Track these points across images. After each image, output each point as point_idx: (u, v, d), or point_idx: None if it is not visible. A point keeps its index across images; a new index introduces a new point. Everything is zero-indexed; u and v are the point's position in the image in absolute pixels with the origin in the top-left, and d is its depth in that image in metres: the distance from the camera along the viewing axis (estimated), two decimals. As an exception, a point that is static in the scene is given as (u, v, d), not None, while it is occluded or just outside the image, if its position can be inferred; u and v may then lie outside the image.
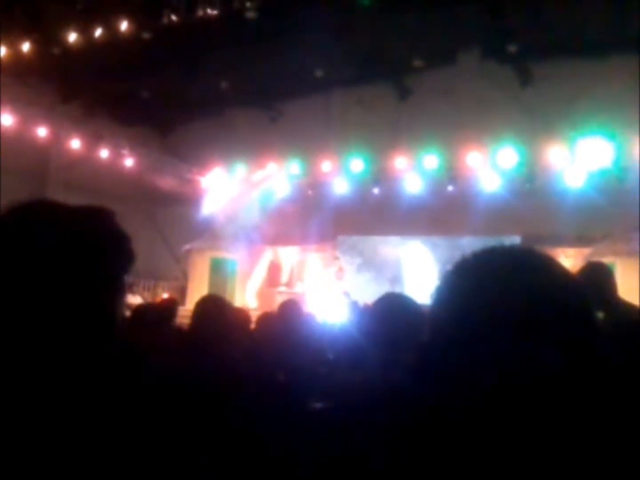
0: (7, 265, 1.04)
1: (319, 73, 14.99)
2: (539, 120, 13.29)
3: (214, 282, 16.77)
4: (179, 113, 17.63)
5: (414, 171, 14.08)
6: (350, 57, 14.39)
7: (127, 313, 4.75)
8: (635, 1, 11.08)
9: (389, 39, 13.46)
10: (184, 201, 16.75)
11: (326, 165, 14.82)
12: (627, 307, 3.56)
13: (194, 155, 16.75)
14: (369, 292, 12.67)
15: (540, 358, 0.79)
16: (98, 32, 12.32)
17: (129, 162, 15.70)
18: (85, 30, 12.38)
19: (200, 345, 3.05)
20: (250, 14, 11.39)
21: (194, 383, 2.56)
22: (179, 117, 18.05)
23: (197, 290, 14.83)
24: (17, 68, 12.76)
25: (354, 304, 9.53)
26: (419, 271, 15.57)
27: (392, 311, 2.24)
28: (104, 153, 15.21)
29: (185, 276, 17.70)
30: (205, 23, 11.91)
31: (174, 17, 11.84)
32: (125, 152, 15.53)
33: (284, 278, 17.26)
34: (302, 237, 16.29)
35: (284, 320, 4.35)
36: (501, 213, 13.04)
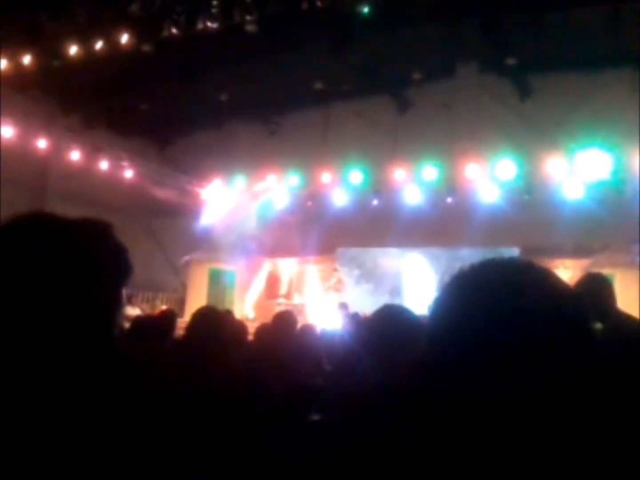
0: (6, 277, 1.04)
1: (318, 86, 15.05)
2: (538, 132, 13.34)
3: (213, 293, 16.75)
4: (178, 125, 17.67)
5: (413, 183, 14.10)
6: (349, 70, 14.45)
7: (126, 325, 4.75)
8: (631, 14, 11.16)
9: (387, 52, 13.53)
10: (183, 213, 16.76)
11: (325, 177, 14.84)
12: (626, 318, 3.56)
13: (193, 167, 16.77)
14: (368, 303, 12.67)
15: (539, 370, 0.79)
16: (98, 44, 12.38)
17: (128, 173, 15.72)
18: (85, 43, 12.44)
19: (196, 357, 3.05)
20: (250, 28, 11.45)
21: (191, 394, 2.55)
22: (179, 129, 18.09)
23: (196, 301, 14.79)
24: (18, 80, 12.80)
25: (354, 316, 9.51)
26: (418, 283, 15.56)
27: (390, 323, 2.24)
28: (104, 165, 15.24)
29: (184, 288, 17.68)
30: (206, 36, 11.98)
31: (174, 30, 11.90)
32: (124, 163, 15.56)
33: (283, 290, 17.24)
34: (301, 249, 16.29)
35: (279, 332, 4.35)
36: (500, 224, 13.06)
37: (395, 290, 15.83)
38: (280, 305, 15.86)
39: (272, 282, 17.40)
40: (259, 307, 16.90)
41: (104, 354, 1.11)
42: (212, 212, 16.67)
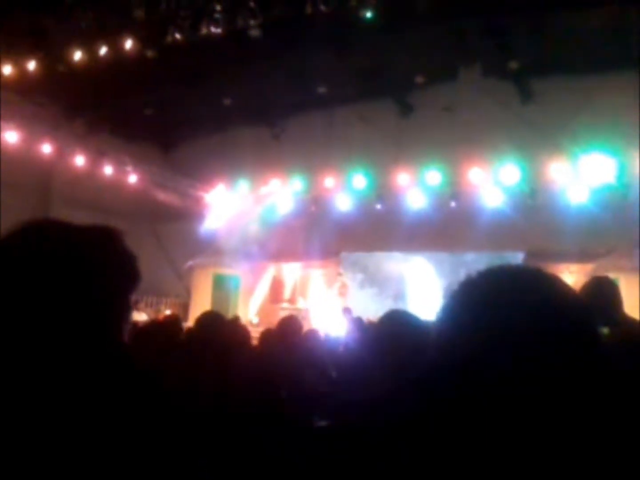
0: (16, 283, 1.05)
1: (321, 90, 15.07)
2: (541, 136, 13.32)
3: (217, 298, 16.76)
4: (182, 130, 17.71)
5: (416, 187, 14.10)
6: (353, 74, 14.47)
7: (132, 330, 4.75)
8: (634, 18, 11.16)
9: (390, 56, 13.55)
10: (187, 217, 16.77)
11: (329, 182, 14.85)
12: (632, 322, 3.55)
13: (197, 172, 16.80)
14: (372, 308, 12.68)
15: (546, 375, 0.79)
16: (103, 50, 12.42)
17: (132, 178, 15.76)
18: (89, 48, 12.48)
19: (200, 361, 3.05)
20: (254, 32, 11.48)
21: (195, 398, 2.55)
22: (183, 134, 18.13)
23: (200, 306, 14.79)
24: (22, 85, 12.85)
25: (358, 321, 9.51)
26: (422, 287, 15.55)
27: (395, 328, 2.23)
28: (108, 170, 15.27)
29: (188, 292, 17.68)
30: (209, 41, 12.00)
31: (178, 36, 11.93)
32: (128, 168, 15.59)
33: (287, 294, 17.24)
34: (305, 253, 16.29)
35: (284, 337, 4.35)
36: (504, 229, 13.04)
37: (399, 295, 15.83)
38: (284, 309, 15.86)
39: (276, 286, 17.40)
40: (263, 311, 16.90)
41: (110, 358, 1.12)
42: (216, 217, 16.69)
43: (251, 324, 14.96)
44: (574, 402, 0.80)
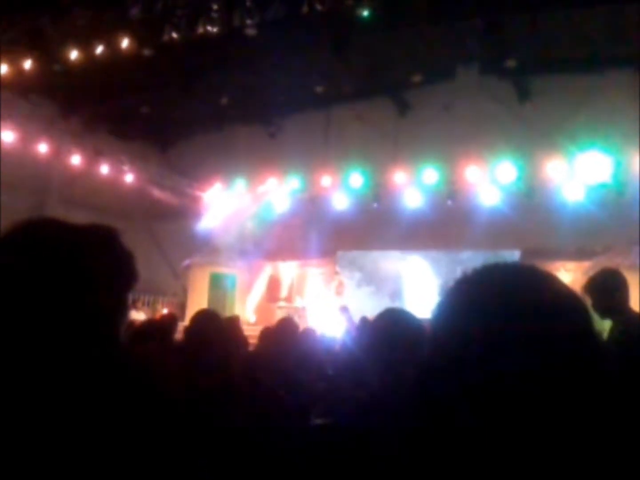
0: (12, 282, 1.05)
1: (318, 89, 15.07)
2: (538, 134, 13.33)
3: (214, 297, 16.74)
4: (179, 128, 17.70)
5: (413, 186, 14.11)
6: (350, 72, 14.47)
7: (129, 329, 4.75)
8: (631, 16, 11.18)
9: (388, 54, 13.56)
10: (183, 216, 16.76)
11: (326, 180, 14.84)
12: (636, 315, 3.57)
13: (193, 171, 16.78)
14: (368, 306, 12.66)
15: (541, 373, 0.79)
16: (99, 49, 12.41)
17: (129, 177, 15.74)
18: (86, 47, 12.47)
19: (196, 359, 3.05)
20: (250, 31, 11.48)
21: (192, 396, 2.55)
22: (179, 133, 18.12)
23: (197, 305, 14.77)
24: (19, 84, 12.84)
25: (363, 320, 9.47)
26: (419, 286, 15.56)
27: (392, 327, 2.24)
28: (104, 169, 15.25)
29: (184, 291, 17.66)
30: (206, 40, 12.00)
31: (174, 34, 11.92)
32: (125, 167, 15.57)
33: (284, 293, 17.24)
34: (301, 252, 16.29)
35: (282, 336, 4.35)
36: (501, 227, 13.06)
37: (396, 293, 15.83)
38: (281, 308, 15.86)
39: (273, 285, 17.40)
40: (259, 310, 16.91)
41: (108, 357, 1.12)
42: (213, 216, 16.68)
43: (248, 322, 14.96)
44: (570, 400, 0.80)
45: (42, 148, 14.10)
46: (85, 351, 1.08)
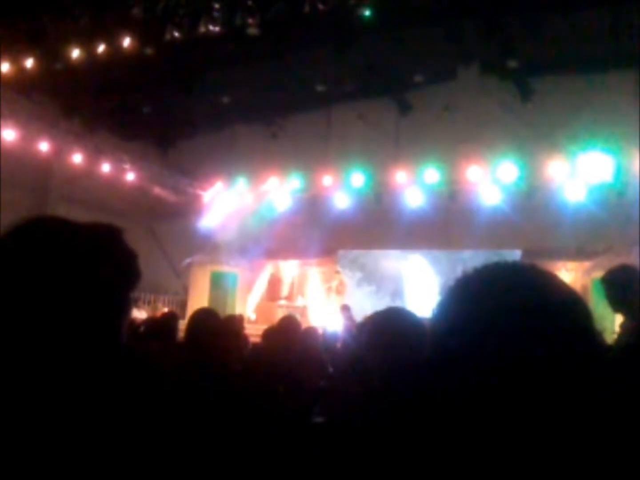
0: (15, 281, 1.06)
1: (320, 88, 15.06)
2: (539, 134, 13.33)
3: (215, 295, 16.74)
4: (180, 128, 17.69)
5: (414, 185, 14.10)
6: (351, 72, 14.46)
7: (131, 327, 4.76)
8: (633, 16, 11.17)
9: (389, 54, 13.54)
10: (184, 215, 16.76)
11: (327, 180, 14.84)
12: None
13: (195, 170, 16.78)
14: (369, 306, 12.67)
15: (539, 371, 0.80)
16: (101, 48, 12.41)
17: (130, 176, 15.73)
18: (88, 46, 12.47)
19: (197, 357, 3.06)
20: (252, 31, 11.47)
21: (195, 394, 2.56)
22: (181, 132, 18.11)
23: (198, 304, 14.77)
24: (20, 83, 12.83)
25: (365, 319, 9.47)
26: (419, 285, 15.56)
27: (392, 326, 2.24)
28: (106, 167, 15.25)
29: (185, 290, 17.67)
30: (208, 39, 12.00)
31: (176, 34, 11.92)
32: (126, 166, 15.57)
33: (285, 292, 17.24)
34: (302, 251, 16.29)
35: (285, 334, 4.35)
36: (502, 227, 13.06)
37: (397, 293, 15.83)
38: (282, 307, 15.87)
39: (274, 284, 17.40)
40: (260, 309, 16.91)
41: (111, 356, 1.12)
42: (214, 215, 16.68)
43: (249, 321, 14.97)
44: (571, 397, 0.81)
45: (44, 147, 14.09)
46: (87, 350, 1.08)
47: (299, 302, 16.34)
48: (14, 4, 11.81)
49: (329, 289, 15.72)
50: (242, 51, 12.71)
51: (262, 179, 15.80)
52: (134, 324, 5.72)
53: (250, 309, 17.14)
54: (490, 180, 13.35)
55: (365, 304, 14.14)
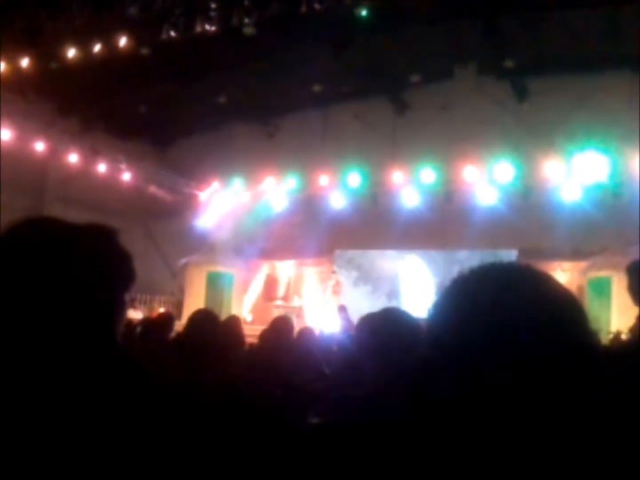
0: (12, 282, 1.05)
1: (316, 88, 15.06)
2: (536, 134, 13.36)
3: (211, 296, 16.72)
4: (176, 127, 17.67)
5: (411, 185, 14.12)
6: (348, 72, 14.46)
7: (126, 328, 4.75)
8: (628, 17, 11.20)
9: (386, 54, 13.56)
10: (181, 215, 16.75)
11: (323, 180, 14.85)
12: None
13: (191, 170, 16.77)
14: (365, 306, 12.67)
15: (537, 371, 0.80)
16: (97, 47, 12.38)
17: (126, 176, 15.72)
18: (83, 46, 12.43)
19: (195, 359, 3.05)
20: (249, 30, 11.46)
21: (191, 396, 2.55)
22: (177, 132, 18.09)
23: (194, 304, 14.76)
24: (16, 83, 12.79)
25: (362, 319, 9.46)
26: (416, 285, 15.57)
27: (388, 326, 2.24)
28: (102, 167, 15.23)
29: (181, 290, 17.65)
30: (204, 39, 11.98)
31: (172, 33, 11.90)
32: (122, 166, 15.55)
33: (281, 292, 17.24)
34: (299, 251, 16.29)
35: (278, 335, 4.35)
36: (498, 227, 13.08)
37: (393, 293, 15.85)
38: (278, 307, 15.87)
39: (270, 284, 17.40)
40: (256, 309, 16.90)
41: (106, 356, 1.12)
42: (210, 215, 16.67)
43: (245, 321, 14.96)
44: (564, 398, 0.80)
45: (40, 147, 14.07)
46: (83, 350, 1.08)
47: (295, 302, 16.34)
48: (9, 3, 11.78)
49: (326, 289, 15.72)
50: (238, 51, 12.70)
51: (258, 178, 15.80)
52: (130, 325, 5.72)
53: (247, 309, 17.14)
54: (487, 180, 13.39)
55: (362, 304, 14.14)
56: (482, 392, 0.82)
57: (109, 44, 12.29)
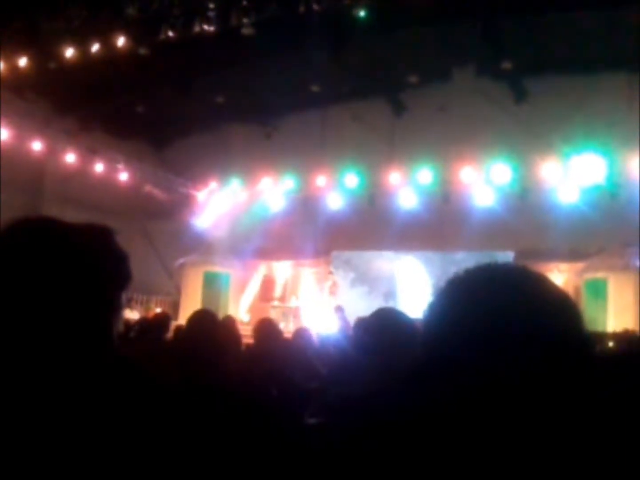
0: (7, 281, 1.05)
1: (314, 89, 15.07)
2: (533, 136, 13.37)
3: (207, 296, 16.70)
4: (174, 128, 17.66)
5: (408, 186, 14.12)
6: (346, 73, 14.47)
7: (125, 328, 4.75)
8: (626, 20, 11.22)
9: (384, 55, 13.56)
10: (178, 215, 16.73)
11: (321, 181, 14.85)
12: None
13: (189, 170, 16.76)
14: (362, 306, 12.67)
15: (531, 372, 0.80)
16: (95, 47, 12.36)
17: (123, 176, 15.70)
18: (81, 46, 12.42)
19: (193, 359, 3.05)
20: (247, 31, 11.46)
21: (188, 396, 2.55)
22: (175, 132, 18.08)
23: (191, 304, 14.75)
24: (14, 82, 12.78)
25: (359, 320, 9.46)
26: (412, 286, 15.57)
27: (385, 326, 2.25)
28: (99, 167, 15.21)
29: (178, 291, 17.63)
30: (202, 39, 11.97)
31: (170, 33, 11.89)
32: (120, 166, 15.54)
33: (278, 292, 17.23)
34: (296, 252, 16.29)
35: (259, 339, 4.35)
36: (495, 228, 13.08)
37: (390, 294, 15.85)
38: (275, 308, 15.86)
39: (267, 285, 17.39)
40: (253, 310, 16.87)
41: (102, 356, 1.12)
42: (208, 215, 16.66)
43: (242, 322, 14.95)
44: (560, 399, 0.81)
45: (37, 146, 14.05)
46: (79, 350, 1.08)
47: (292, 302, 16.33)
48: (7, 3, 11.76)
49: (323, 289, 15.72)
50: (236, 51, 12.70)
51: (256, 179, 15.80)
52: (127, 325, 5.71)
53: (243, 309, 17.12)
54: (484, 181, 13.39)
55: (358, 304, 14.13)
56: (477, 392, 0.82)
57: (107, 44, 12.28)
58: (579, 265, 13.46)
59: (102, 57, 12.35)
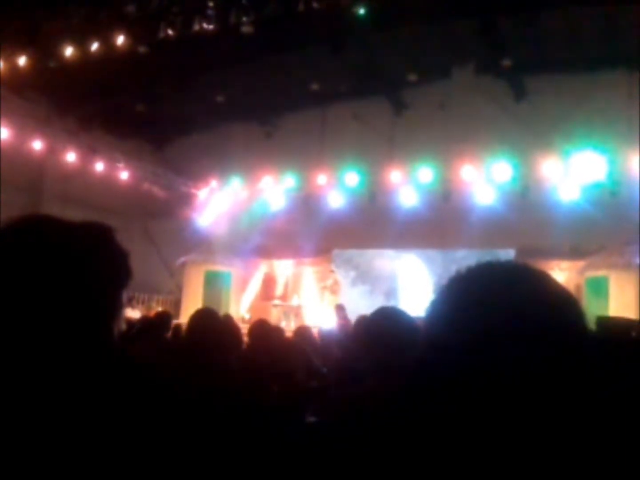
0: (8, 280, 1.05)
1: (314, 87, 15.06)
2: (533, 134, 13.37)
3: (209, 295, 16.70)
4: (174, 126, 17.66)
5: (408, 185, 14.12)
6: (346, 71, 14.47)
7: (125, 327, 4.75)
8: (626, 18, 11.21)
9: (384, 53, 13.56)
10: (179, 214, 16.74)
11: (321, 179, 14.85)
12: None
13: (189, 169, 16.76)
14: (363, 305, 12.68)
15: (533, 370, 0.80)
16: (94, 46, 12.36)
17: (124, 175, 15.70)
18: (81, 44, 12.42)
19: (195, 358, 3.05)
20: (247, 29, 11.45)
21: (189, 394, 2.55)
22: (175, 131, 18.08)
23: (192, 303, 14.76)
24: (13, 81, 12.78)
25: (360, 318, 9.47)
26: (413, 284, 15.58)
27: (386, 325, 2.24)
28: (99, 166, 15.21)
29: (179, 289, 17.63)
30: (202, 38, 11.97)
31: (170, 32, 11.89)
32: (120, 165, 15.54)
33: (279, 291, 17.23)
34: (297, 251, 16.29)
35: (254, 340, 4.35)
36: (496, 226, 13.08)
37: (391, 292, 15.85)
38: (276, 306, 15.87)
39: (268, 283, 17.39)
40: (254, 308, 16.88)
41: (104, 355, 1.12)
42: (208, 214, 16.66)
43: (243, 320, 14.95)
44: (562, 397, 0.81)
45: (37, 145, 14.05)
46: (80, 349, 1.08)
47: (294, 301, 16.33)
48: (7, 2, 11.76)
49: (324, 288, 15.72)
50: (236, 50, 12.69)
51: (256, 177, 15.80)
52: (128, 324, 5.72)
53: (245, 308, 17.13)
54: (484, 179, 13.39)
55: (360, 303, 14.14)
56: (479, 390, 0.82)
57: (107, 43, 12.27)
58: (580, 263, 13.45)
59: (101, 56, 12.35)
